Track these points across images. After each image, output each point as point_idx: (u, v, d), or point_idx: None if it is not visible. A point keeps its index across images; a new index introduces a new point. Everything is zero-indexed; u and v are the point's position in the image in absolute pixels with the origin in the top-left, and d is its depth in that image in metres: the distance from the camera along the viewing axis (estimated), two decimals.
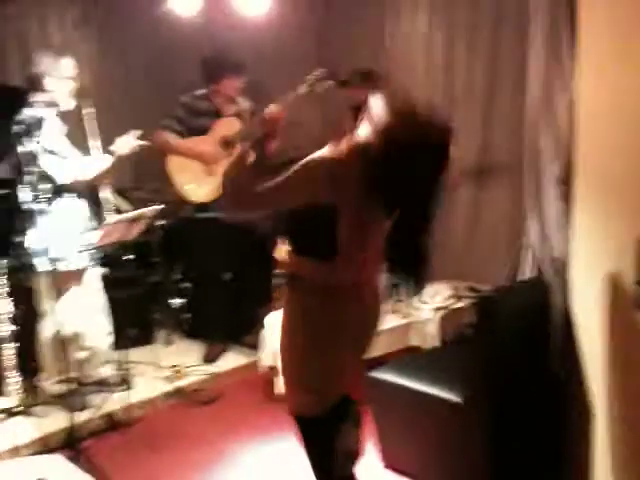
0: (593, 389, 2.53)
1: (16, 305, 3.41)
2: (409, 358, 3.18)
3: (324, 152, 1.82)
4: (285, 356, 1.96)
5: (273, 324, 3.45)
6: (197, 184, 3.97)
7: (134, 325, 4.17)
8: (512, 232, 3.86)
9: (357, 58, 4.64)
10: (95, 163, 3.42)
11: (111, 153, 3.41)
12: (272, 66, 4.54)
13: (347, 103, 4.42)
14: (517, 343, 2.62)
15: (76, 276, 3.44)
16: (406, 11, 4.40)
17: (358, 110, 4.62)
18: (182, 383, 3.74)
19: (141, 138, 3.43)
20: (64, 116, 3.45)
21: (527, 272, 3.00)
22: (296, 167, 1.80)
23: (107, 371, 3.70)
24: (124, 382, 3.32)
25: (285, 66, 4.46)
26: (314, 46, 4.73)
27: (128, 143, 3.44)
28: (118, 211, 3.60)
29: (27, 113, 3.22)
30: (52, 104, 3.29)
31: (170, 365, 3.89)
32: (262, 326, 3.63)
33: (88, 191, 3.59)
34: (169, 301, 4.42)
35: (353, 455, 2.01)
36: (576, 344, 2.60)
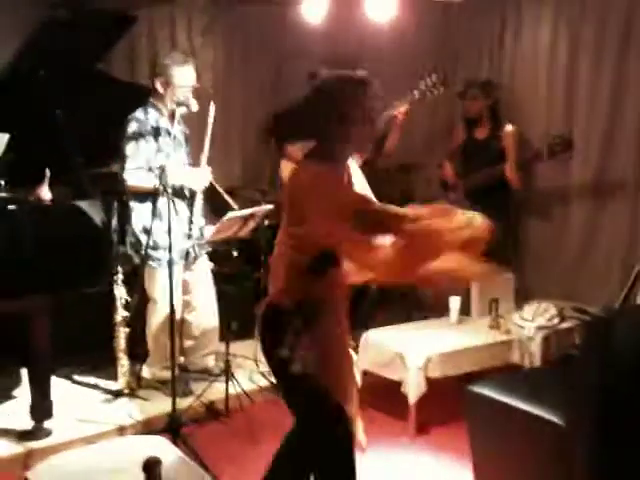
0: None
1: (130, 292, 3.59)
2: (510, 375, 3.09)
3: None
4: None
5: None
6: None
7: (237, 319, 4.31)
8: (628, 254, 3.70)
9: (475, 63, 4.58)
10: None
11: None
12: (390, 70, 4.56)
13: (461, 113, 4.39)
14: (628, 370, 2.50)
15: (189, 268, 3.61)
16: (529, 16, 4.31)
17: (473, 121, 4.57)
18: None
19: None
20: (185, 119, 3.61)
21: None
22: None
23: (210, 361, 3.85)
24: (225, 373, 3.43)
25: (403, 70, 4.47)
26: (432, 50, 4.70)
27: (201, 179, 3.55)
28: (226, 209, 3.73)
29: (149, 115, 3.40)
30: (180, 104, 3.43)
31: None
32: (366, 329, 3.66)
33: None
34: None
35: None
36: None
